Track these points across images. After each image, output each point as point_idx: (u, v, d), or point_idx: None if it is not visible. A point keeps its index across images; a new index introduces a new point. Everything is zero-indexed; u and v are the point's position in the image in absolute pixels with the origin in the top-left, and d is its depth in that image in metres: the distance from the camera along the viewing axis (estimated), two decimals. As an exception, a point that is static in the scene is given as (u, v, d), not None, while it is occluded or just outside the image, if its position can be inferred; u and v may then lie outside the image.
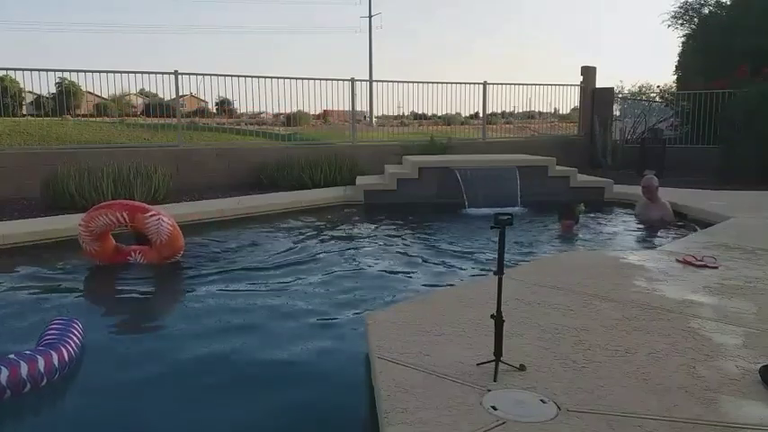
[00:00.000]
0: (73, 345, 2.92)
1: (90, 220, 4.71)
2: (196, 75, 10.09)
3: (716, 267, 3.94)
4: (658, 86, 14.68)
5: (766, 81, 10.13)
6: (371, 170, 9.69)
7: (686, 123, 12.29)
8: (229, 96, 11.24)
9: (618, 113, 13.31)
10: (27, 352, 2.70)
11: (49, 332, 2.99)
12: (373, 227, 6.67)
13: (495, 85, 12.31)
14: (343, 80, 11.10)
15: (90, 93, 10.91)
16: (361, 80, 11.94)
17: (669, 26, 14.82)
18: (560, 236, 6.16)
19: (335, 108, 11.87)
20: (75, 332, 3.06)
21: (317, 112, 13.15)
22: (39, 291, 4.24)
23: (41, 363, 2.66)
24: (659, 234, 6.16)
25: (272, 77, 10.34)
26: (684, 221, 6.66)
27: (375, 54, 63.68)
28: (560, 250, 5.57)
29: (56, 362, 2.72)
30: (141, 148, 9.72)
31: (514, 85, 12.58)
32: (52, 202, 7.33)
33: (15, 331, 3.42)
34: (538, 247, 5.67)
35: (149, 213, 4.77)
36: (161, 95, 10.36)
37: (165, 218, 4.83)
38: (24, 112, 11.97)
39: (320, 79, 10.82)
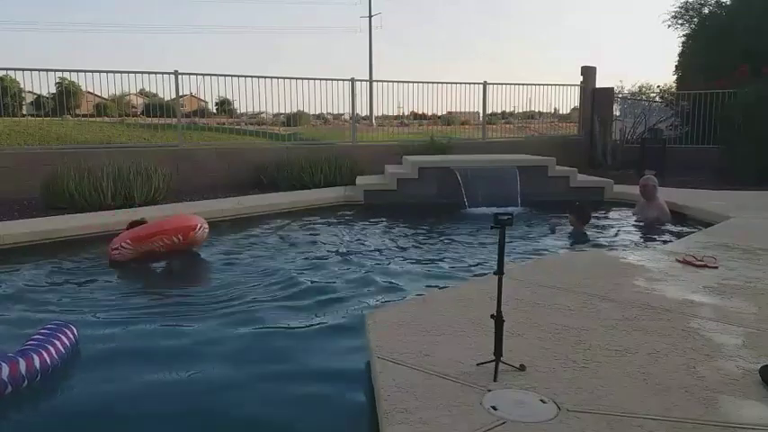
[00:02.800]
0: (52, 353, 2.83)
1: (141, 244, 4.95)
2: (196, 75, 10.09)
3: (716, 267, 3.94)
4: (658, 86, 14.68)
5: (766, 81, 10.12)
6: (371, 170, 9.68)
7: (686, 123, 12.30)
8: (229, 96, 11.24)
9: (618, 113, 13.30)
10: None
11: (33, 338, 2.91)
12: (373, 227, 6.67)
13: (495, 85, 12.33)
14: (344, 80, 11.10)
15: (90, 93, 10.90)
16: (361, 80, 11.94)
17: (669, 26, 14.82)
18: (572, 234, 6.15)
19: (336, 111, 11.88)
20: (63, 338, 2.97)
21: (317, 112, 13.15)
22: (37, 292, 4.24)
23: (5, 371, 2.57)
24: (658, 234, 6.16)
25: (272, 77, 10.34)
26: (683, 221, 6.66)
27: (375, 54, 63.67)
28: (560, 250, 5.57)
29: (23, 370, 2.63)
30: (141, 148, 9.71)
31: (514, 85, 12.61)
32: (52, 202, 7.33)
33: (9, 333, 3.39)
34: (538, 247, 5.66)
35: (198, 228, 5.12)
36: (161, 95, 10.36)
37: (206, 224, 5.19)
38: (24, 112, 11.95)
39: (320, 79, 10.83)
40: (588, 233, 6.19)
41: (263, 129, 12.46)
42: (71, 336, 3.07)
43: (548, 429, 1.90)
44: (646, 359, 2.44)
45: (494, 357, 2.26)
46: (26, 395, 2.65)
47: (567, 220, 6.32)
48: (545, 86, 13.11)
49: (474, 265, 4.94)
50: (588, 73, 12.76)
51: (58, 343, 2.92)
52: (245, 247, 5.61)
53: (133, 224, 5.33)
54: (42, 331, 3.01)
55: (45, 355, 2.79)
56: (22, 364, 2.65)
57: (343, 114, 13.29)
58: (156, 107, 10.95)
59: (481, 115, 12.49)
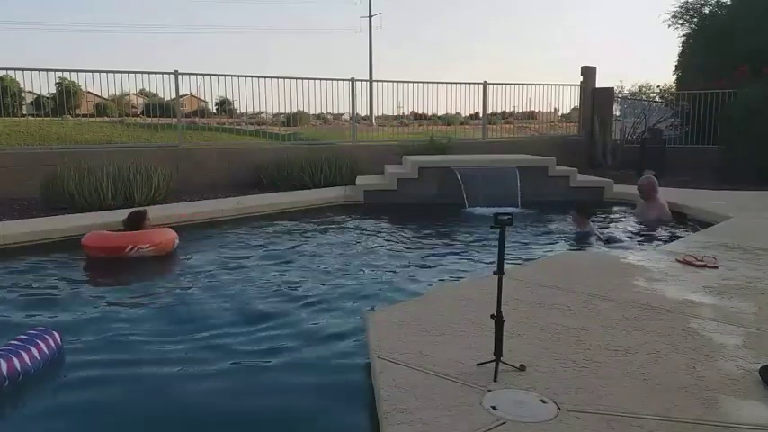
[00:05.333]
0: (25, 359, 2.74)
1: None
2: (196, 75, 10.10)
3: (716, 267, 3.94)
4: (658, 86, 14.69)
5: (766, 81, 10.12)
6: (371, 170, 9.68)
7: (686, 123, 12.30)
8: (229, 96, 11.24)
9: (618, 113, 13.30)
10: None
11: (7, 344, 2.83)
12: (373, 227, 6.67)
13: (495, 85, 12.33)
14: (344, 80, 11.11)
15: (90, 93, 10.90)
16: (361, 80, 11.95)
17: (669, 26, 14.83)
18: (576, 233, 6.16)
19: (336, 111, 11.88)
20: (41, 345, 2.89)
21: (317, 112, 13.15)
22: (34, 293, 4.23)
23: None
24: (658, 234, 6.17)
25: (272, 77, 10.35)
26: (683, 221, 6.66)
27: (375, 54, 63.59)
28: (560, 250, 5.57)
29: None
30: (141, 148, 9.71)
31: (514, 85, 12.61)
32: (52, 202, 7.33)
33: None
34: (538, 247, 5.66)
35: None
36: (161, 95, 10.36)
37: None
38: (24, 112, 11.95)
39: (320, 79, 10.83)
40: (591, 234, 6.19)
41: (263, 129, 12.45)
42: (51, 342, 2.98)
43: (548, 429, 1.90)
44: (646, 359, 2.44)
45: (494, 357, 2.26)
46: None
47: (575, 220, 6.31)
48: (545, 86, 13.13)
49: (474, 265, 4.94)
50: (588, 73, 12.76)
51: (33, 349, 2.82)
52: (245, 248, 5.61)
53: (133, 216, 5.48)
54: (20, 337, 2.92)
55: (15, 361, 2.70)
56: None
57: (343, 114, 13.28)
58: (156, 107, 10.95)
59: (481, 115, 12.50)
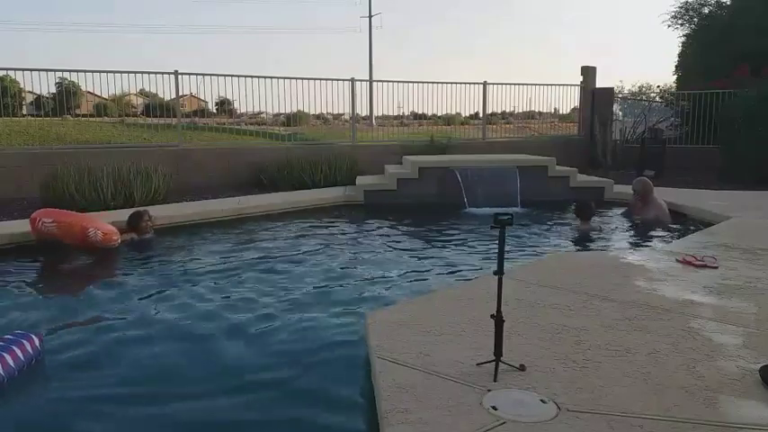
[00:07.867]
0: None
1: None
2: (196, 75, 10.09)
3: (716, 267, 3.94)
4: (658, 86, 14.71)
5: (766, 81, 10.12)
6: (371, 170, 9.68)
7: (686, 123, 12.31)
8: (229, 96, 11.25)
9: (618, 113, 13.31)
10: None
11: None
12: (373, 227, 6.67)
13: (495, 85, 12.34)
14: (344, 80, 11.11)
15: (90, 93, 10.90)
16: (361, 80, 11.96)
17: (669, 26, 14.86)
18: (578, 233, 6.17)
19: (336, 111, 11.88)
20: (16, 350, 2.77)
21: (317, 112, 13.14)
22: (33, 293, 4.23)
23: None
24: (657, 234, 6.17)
25: (272, 77, 10.35)
26: (683, 221, 6.66)
27: (375, 54, 63.62)
28: (560, 250, 5.57)
29: None
30: (141, 148, 9.71)
31: (514, 85, 12.61)
32: (52, 202, 7.31)
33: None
34: (538, 247, 5.66)
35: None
36: (161, 95, 10.36)
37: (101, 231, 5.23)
38: (24, 112, 11.96)
39: (320, 79, 10.83)
40: (593, 231, 6.20)
41: (263, 129, 12.46)
42: (29, 348, 2.85)
43: (548, 429, 1.90)
44: (646, 359, 2.44)
45: (494, 357, 2.26)
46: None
47: (578, 221, 6.33)
48: (545, 86, 13.13)
49: (474, 265, 4.93)
50: (588, 73, 12.76)
51: (7, 356, 2.71)
52: (245, 247, 5.60)
53: (133, 216, 5.55)
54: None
55: None
56: None
57: (343, 114, 13.29)
58: (156, 107, 10.95)
59: (481, 115, 12.50)
